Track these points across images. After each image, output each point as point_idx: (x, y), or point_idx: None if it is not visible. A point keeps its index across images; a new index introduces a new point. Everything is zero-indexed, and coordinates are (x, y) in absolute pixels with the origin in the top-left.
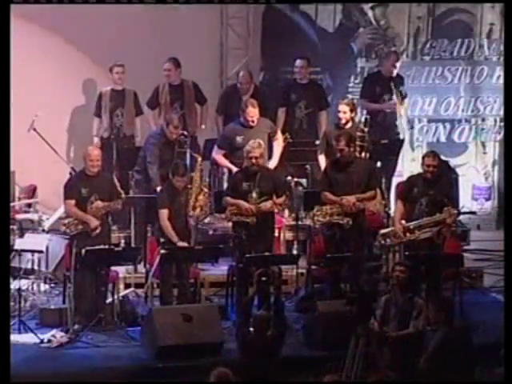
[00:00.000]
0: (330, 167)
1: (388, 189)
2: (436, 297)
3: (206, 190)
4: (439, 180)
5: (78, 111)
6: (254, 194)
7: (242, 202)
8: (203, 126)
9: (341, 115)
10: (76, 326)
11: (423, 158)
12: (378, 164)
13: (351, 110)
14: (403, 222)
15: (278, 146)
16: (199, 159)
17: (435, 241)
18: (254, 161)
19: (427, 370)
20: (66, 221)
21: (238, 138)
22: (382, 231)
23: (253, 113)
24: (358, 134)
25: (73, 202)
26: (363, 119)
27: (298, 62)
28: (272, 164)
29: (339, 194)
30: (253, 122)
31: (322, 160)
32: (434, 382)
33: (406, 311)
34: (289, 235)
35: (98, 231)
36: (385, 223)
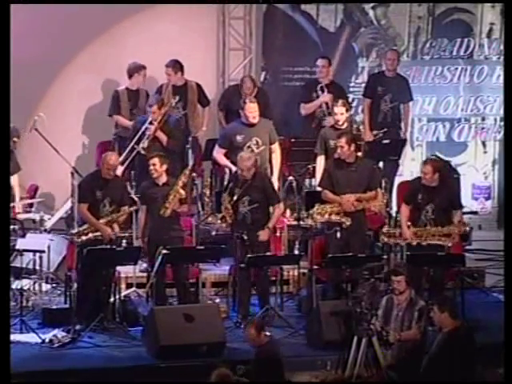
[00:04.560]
0: (332, 166)
1: (390, 189)
2: (438, 297)
3: (183, 194)
4: (443, 187)
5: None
6: (246, 202)
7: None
8: (204, 128)
9: (338, 117)
10: (78, 326)
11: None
12: (380, 164)
13: (347, 110)
14: (409, 223)
15: (277, 159)
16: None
17: (444, 247)
18: (243, 173)
19: (429, 370)
20: (75, 231)
21: (238, 137)
22: (386, 229)
23: (252, 108)
24: (354, 133)
25: (86, 206)
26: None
27: (319, 61)
28: (274, 181)
29: (340, 193)
30: (253, 118)
31: (321, 161)
32: (435, 382)
33: (407, 312)
34: (290, 235)
35: (113, 237)
36: (386, 223)
